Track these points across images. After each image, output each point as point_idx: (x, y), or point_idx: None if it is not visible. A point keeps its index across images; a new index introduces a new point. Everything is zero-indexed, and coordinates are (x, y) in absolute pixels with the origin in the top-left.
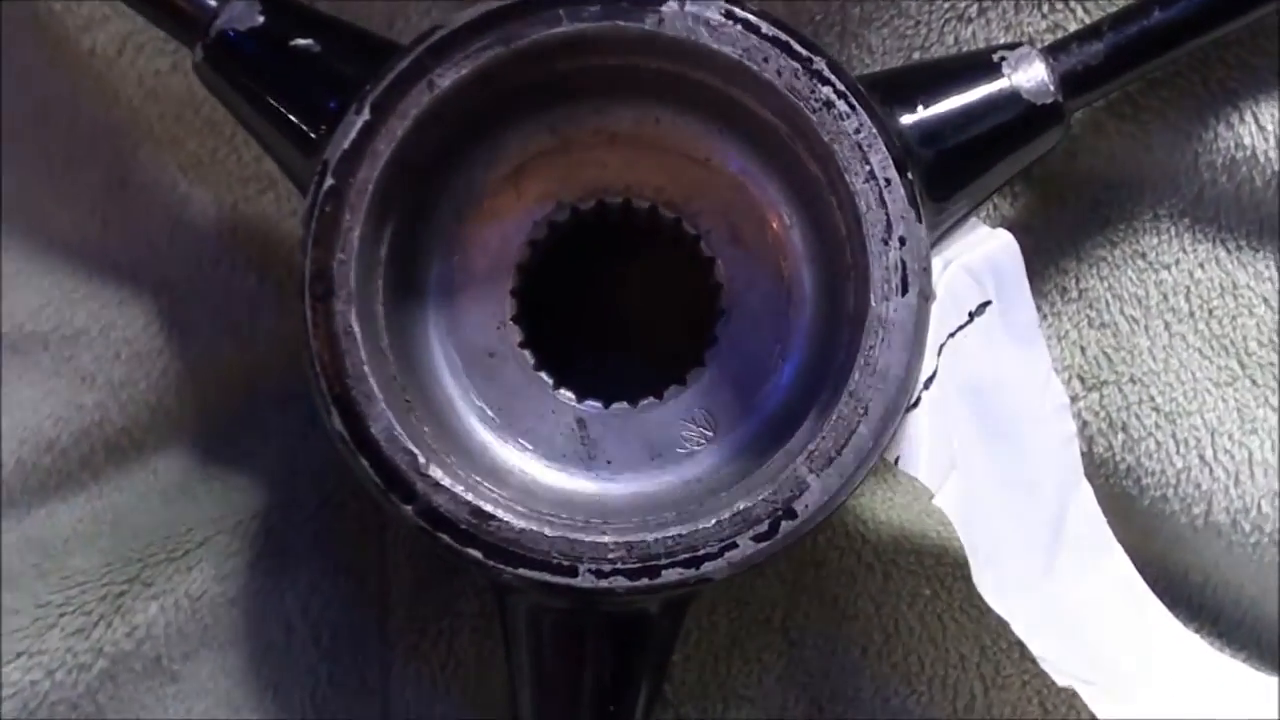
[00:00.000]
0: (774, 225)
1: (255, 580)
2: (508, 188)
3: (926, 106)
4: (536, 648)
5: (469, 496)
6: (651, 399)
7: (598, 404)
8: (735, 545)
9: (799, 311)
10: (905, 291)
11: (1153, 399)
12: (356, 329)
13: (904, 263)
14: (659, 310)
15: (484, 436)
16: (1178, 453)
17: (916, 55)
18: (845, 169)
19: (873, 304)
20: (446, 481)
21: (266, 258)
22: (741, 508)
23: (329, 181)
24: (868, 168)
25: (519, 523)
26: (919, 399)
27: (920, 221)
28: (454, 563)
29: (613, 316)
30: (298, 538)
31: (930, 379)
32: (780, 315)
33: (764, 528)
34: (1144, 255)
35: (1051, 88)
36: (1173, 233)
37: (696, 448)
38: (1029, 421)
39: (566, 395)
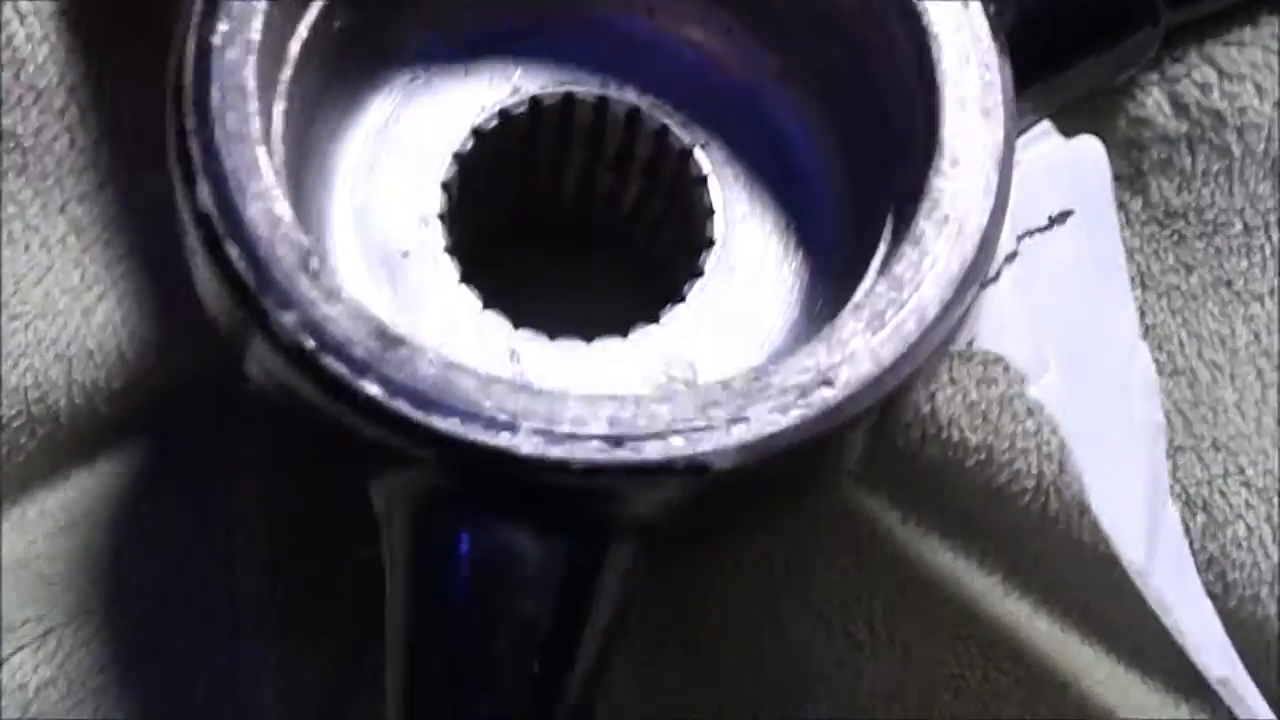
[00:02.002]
0: (790, 130)
1: None
2: (455, 60)
3: None
4: (431, 571)
5: (368, 312)
6: (612, 336)
7: (537, 335)
8: (746, 419)
9: (816, 237)
10: (986, 130)
11: (1242, 470)
12: (252, 85)
13: (985, 97)
14: (629, 245)
15: None
16: (1275, 541)
17: None
18: None
19: (943, 139)
20: (342, 291)
21: None
22: (758, 374)
23: None
24: None
25: (440, 355)
26: (1000, 273)
27: (1004, 56)
28: (330, 424)
29: (568, 234)
30: None
31: (1011, 256)
32: (791, 242)
33: (789, 398)
34: (1229, 283)
35: None
36: (1266, 253)
37: None
38: (1115, 389)
39: (497, 318)
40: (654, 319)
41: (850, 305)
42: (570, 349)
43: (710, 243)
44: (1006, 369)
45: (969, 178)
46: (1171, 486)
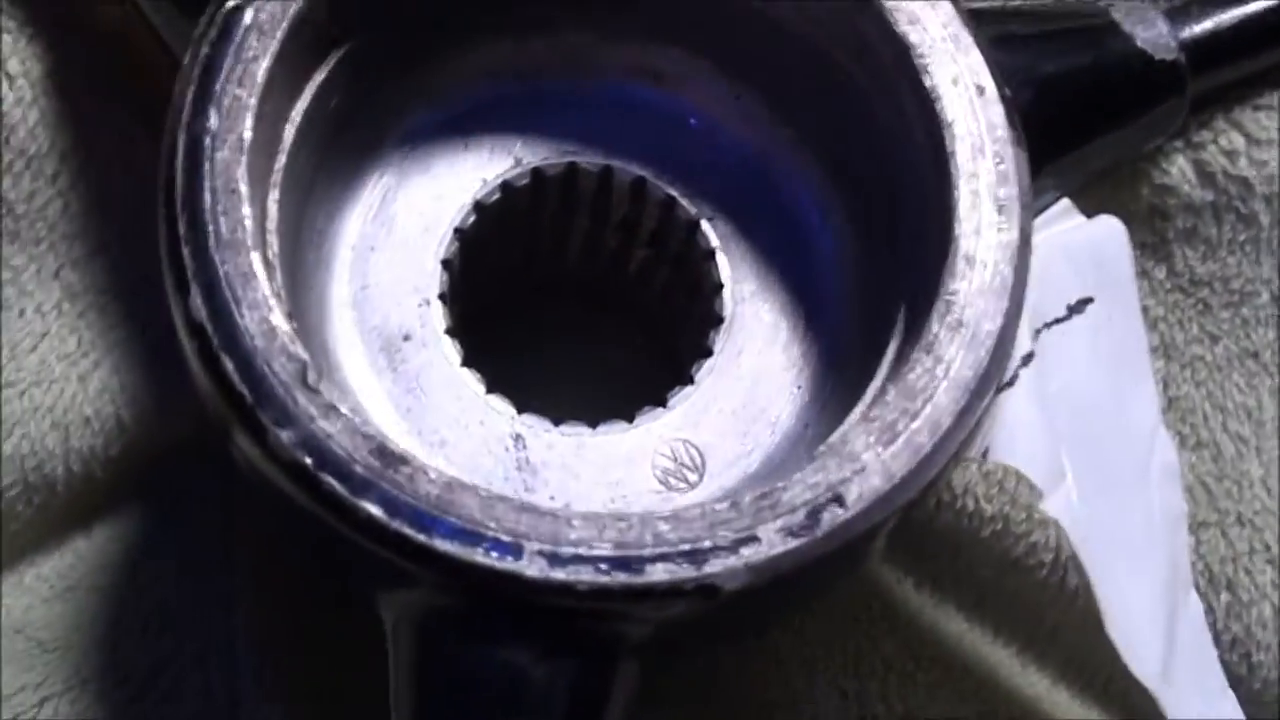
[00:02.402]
0: (801, 207)
1: None
2: (452, 134)
3: (1018, 48)
4: (436, 690)
5: (369, 430)
6: (618, 421)
7: (541, 420)
8: (756, 539)
9: (827, 321)
10: (1001, 227)
11: (1268, 547)
12: (245, 187)
13: (999, 190)
14: (635, 308)
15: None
16: None
17: None
18: (925, 65)
19: (957, 235)
20: (343, 406)
21: None
22: (767, 490)
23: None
24: (955, 69)
25: (441, 474)
26: (1016, 376)
27: (1021, 146)
28: (331, 540)
29: (572, 311)
30: None
31: (1028, 358)
32: (800, 325)
33: (799, 518)
34: (1255, 355)
35: (1172, 43)
36: None
37: (674, 492)
38: (1133, 481)
39: (501, 403)
40: (661, 402)
41: (859, 412)
42: (575, 436)
43: (719, 320)
44: (1020, 480)
45: (983, 278)
46: (1194, 564)
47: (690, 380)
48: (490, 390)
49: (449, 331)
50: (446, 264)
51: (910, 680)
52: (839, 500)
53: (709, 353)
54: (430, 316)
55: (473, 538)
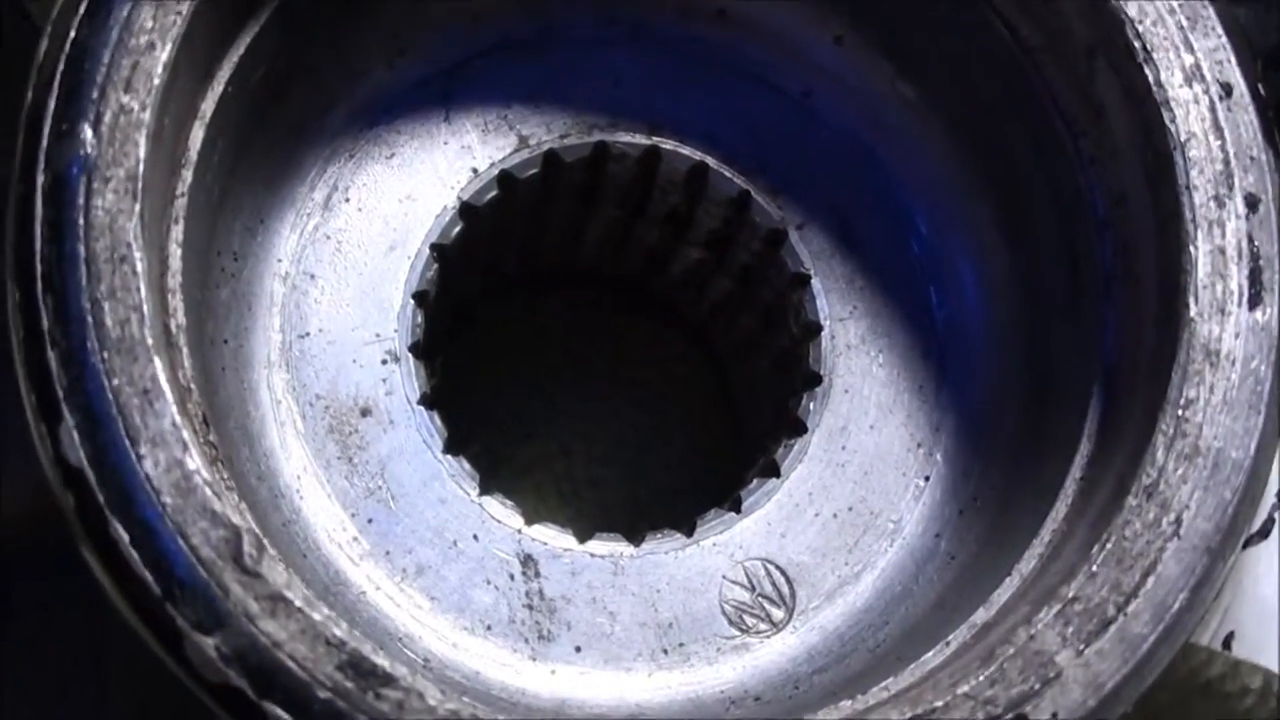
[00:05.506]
0: (929, 211)
1: None
2: (428, 100)
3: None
4: None
5: (338, 632)
6: (672, 534)
7: (562, 534)
8: None
9: (970, 385)
10: (1256, 300)
11: None
12: (138, 256)
13: (1254, 245)
14: (682, 366)
15: (340, 563)
16: None
17: None
18: (1147, 50)
19: (1192, 316)
20: (296, 596)
21: None
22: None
23: None
24: (1190, 59)
25: (444, 699)
26: (1271, 522)
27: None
28: None
29: (594, 371)
30: None
31: None
32: (930, 386)
33: None
34: None
35: None
36: None
37: (754, 636)
38: None
39: (502, 509)
40: (734, 504)
41: (1036, 565)
42: (610, 558)
43: (813, 379)
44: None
45: (1230, 382)
46: None
47: (774, 470)
48: (485, 491)
49: (423, 401)
50: (421, 297)
51: None
52: None
53: (800, 428)
54: (398, 380)
55: None
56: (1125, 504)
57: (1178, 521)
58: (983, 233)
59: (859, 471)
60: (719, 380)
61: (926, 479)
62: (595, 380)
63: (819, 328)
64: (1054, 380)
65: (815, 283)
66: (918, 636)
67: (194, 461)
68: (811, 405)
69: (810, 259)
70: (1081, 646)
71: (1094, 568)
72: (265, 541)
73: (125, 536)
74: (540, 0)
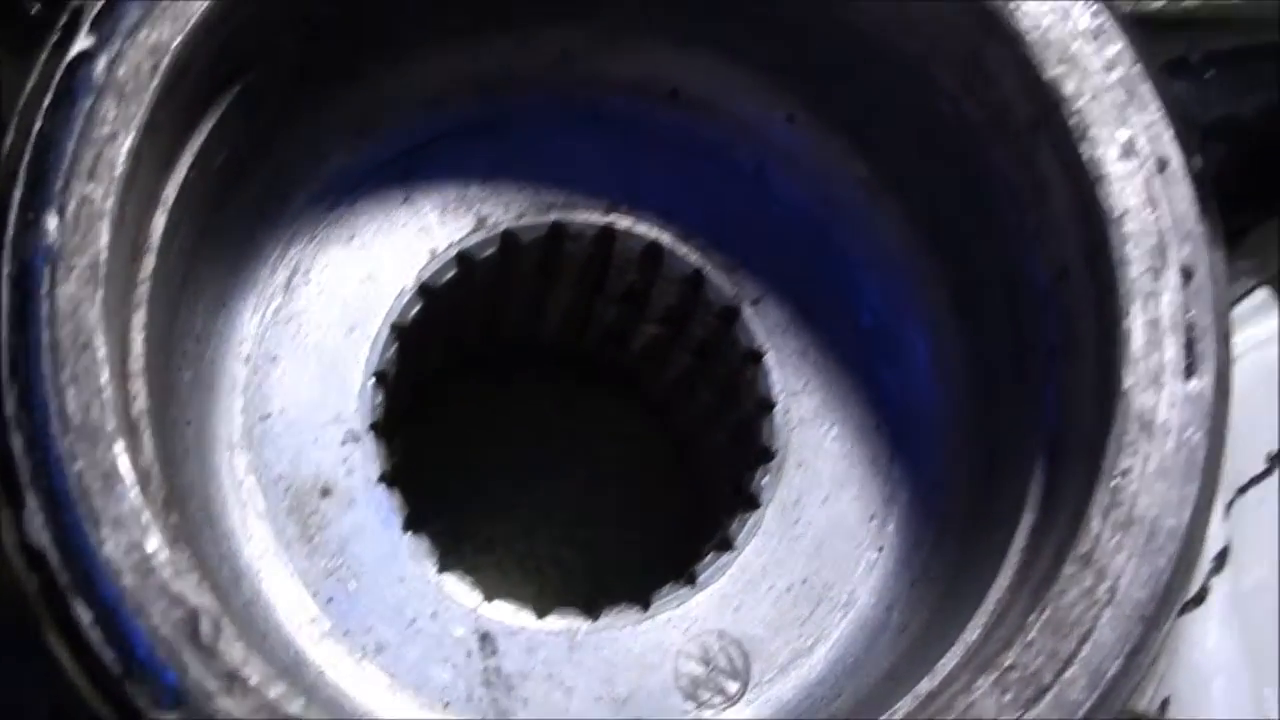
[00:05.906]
0: (880, 289)
1: None
2: (388, 182)
3: (1201, 81)
4: None
5: (293, 709)
6: (627, 608)
7: (519, 610)
8: None
9: (921, 457)
10: (1191, 370)
11: None
12: (100, 343)
13: (1189, 315)
14: (644, 441)
15: (300, 641)
16: None
17: None
18: (1083, 130)
19: (1127, 387)
20: (253, 674)
21: None
22: None
23: (84, 43)
24: (1126, 134)
25: None
26: (1206, 589)
27: (1217, 246)
28: None
29: (556, 447)
30: None
31: (1222, 556)
32: (882, 459)
33: None
34: None
35: None
36: None
37: (708, 710)
38: None
39: (461, 587)
40: (689, 578)
41: (979, 635)
42: (565, 634)
43: (766, 454)
44: None
45: (1165, 450)
46: None
47: (728, 544)
48: (444, 569)
49: (383, 478)
50: (381, 377)
51: None
52: None
53: (754, 502)
54: (358, 459)
55: None
56: (1062, 572)
57: (1113, 589)
58: (934, 308)
59: (812, 545)
60: (680, 455)
61: (880, 550)
62: (558, 457)
63: (772, 403)
64: (1003, 450)
65: (769, 358)
66: (869, 707)
67: (154, 543)
68: (765, 479)
69: (765, 334)
70: (1019, 713)
71: (1031, 635)
72: (224, 620)
73: (87, 617)
74: (498, 83)
